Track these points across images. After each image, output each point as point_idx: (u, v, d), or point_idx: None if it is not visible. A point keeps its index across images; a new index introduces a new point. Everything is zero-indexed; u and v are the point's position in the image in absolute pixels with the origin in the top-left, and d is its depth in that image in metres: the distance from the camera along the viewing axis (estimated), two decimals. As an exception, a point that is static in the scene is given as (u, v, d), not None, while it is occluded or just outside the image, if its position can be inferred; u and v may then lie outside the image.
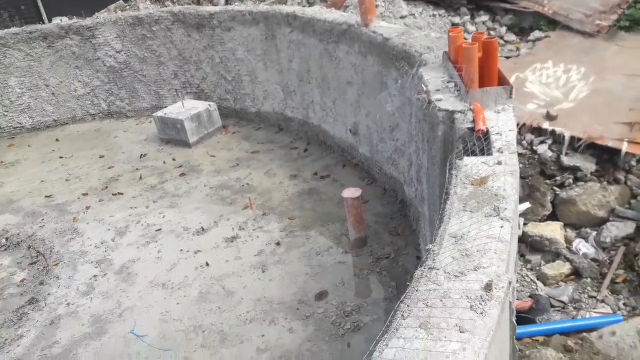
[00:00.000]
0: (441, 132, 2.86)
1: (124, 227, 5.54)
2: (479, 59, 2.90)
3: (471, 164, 2.35)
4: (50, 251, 5.28)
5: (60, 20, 8.21)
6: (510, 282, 1.69)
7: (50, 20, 10.10)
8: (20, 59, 8.01)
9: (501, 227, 1.88)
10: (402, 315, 1.61)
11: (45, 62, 8.08)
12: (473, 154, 2.57)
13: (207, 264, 4.72)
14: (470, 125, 2.71)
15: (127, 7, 10.07)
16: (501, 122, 2.70)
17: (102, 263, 4.99)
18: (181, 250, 5.00)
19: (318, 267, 4.52)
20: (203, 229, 5.26)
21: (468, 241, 1.85)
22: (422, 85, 3.15)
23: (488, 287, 1.62)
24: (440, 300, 1.62)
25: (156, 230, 5.38)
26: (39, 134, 8.42)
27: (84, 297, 4.55)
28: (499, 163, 2.32)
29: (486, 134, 2.61)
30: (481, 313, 1.54)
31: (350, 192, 4.53)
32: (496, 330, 1.54)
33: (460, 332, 1.50)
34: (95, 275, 4.82)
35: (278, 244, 4.88)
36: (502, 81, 2.92)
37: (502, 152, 2.41)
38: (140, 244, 5.19)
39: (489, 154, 2.44)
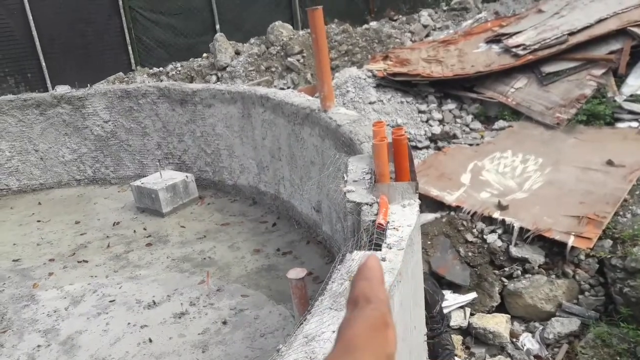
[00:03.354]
0: (350, 223, 2.93)
1: (80, 296, 5.55)
2: (394, 153, 3.03)
3: (357, 259, 2.40)
4: (2, 318, 5.28)
5: (55, 89, 8.63)
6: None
7: (54, 89, 10.64)
8: (13, 125, 8.38)
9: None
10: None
11: (36, 129, 8.44)
12: (377, 246, 2.63)
13: (150, 340, 4.68)
14: (374, 218, 2.79)
15: (126, 79, 10.60)
16: (404, 217, 2.78)
17: (49, 333, 4.97)
18: (129, 323, 4.97)
19: (259, 350, 4.46)
20: (155, 302, 5.25)
21: (319, 343, 1.87)
22: (344, 175, 3.27)
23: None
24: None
25: (110, 301, 5.38)
26: (24, 196, 8.63)
27: (22, 369, 4.51)
28: (383, 259, 2.37)
29: (385, 228, 2.68)
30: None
31: (296, 273, 4.54)
32: None
33: None
34: (39, 346, 4.79)
35: (225, 322, 4.84)
36: (413, 176, 3.03)
37: (390, 248, 2.47)
38: (91, 315, 5.18)
39: (379, 249, 2.50)
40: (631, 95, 6.44)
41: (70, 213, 7.74)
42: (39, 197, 8.48)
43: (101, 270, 6.02)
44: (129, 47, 11.79)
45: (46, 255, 6.55)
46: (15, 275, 6.10)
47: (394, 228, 2.66)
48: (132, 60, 11.81)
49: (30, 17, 11.06)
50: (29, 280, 5.98)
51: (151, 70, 11.15)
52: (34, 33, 11.16)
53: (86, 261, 6.28)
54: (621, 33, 6.90)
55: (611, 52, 6.84)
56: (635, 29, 6.78)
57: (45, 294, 5.65)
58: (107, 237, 6.85)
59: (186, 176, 7.56)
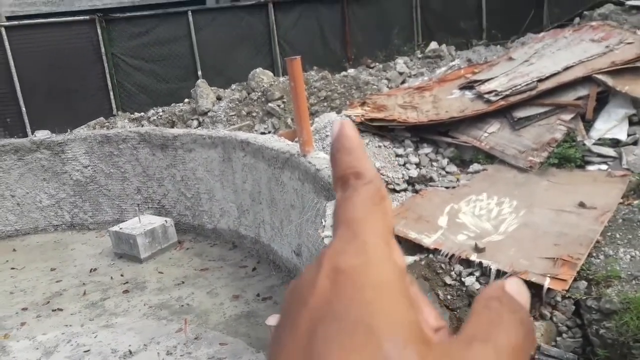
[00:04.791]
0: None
1: (53, 347, 5.39)
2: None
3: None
4: (-30, 371, 5.10)
5: (34, 134, 8.62)
6: None
7: (33, 134, 10.60)
8: (-11, 170, 8.29)
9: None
10: None
11: (14, 174, 8.36)
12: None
13: (125, 392, 4.55)
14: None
15: (107, 124, 10.62)
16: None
17: (19, 386, 4.80)
18: (103, 374, 4.84)
19: (238, 398, 4.37)
20: (131, 352, 5.13)
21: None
22: (322, 220, 3.31)
23: None
24: None
25: (84, 351, 5.24)
26: (-2, 243, 8.46)
27: None
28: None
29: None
30: None
31: (275, 319, 4.50)
32: None
33: None
34: (8, 400, 4.62)
35: (202, 371, 4.75)
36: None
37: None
38: (64, 366, 5.04)
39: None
40: (599, 139, 6.68)
41: (46, 260, 7.60)
42: (14, 244, 8.32)
43: (76, 319, 5.88)
44: (111, 93, 11.89)
45: (19, 304, 6.38)
46: (-15, 326, 5.91)
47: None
48: (114, 105, 11.88)
49: (12, 62, 11.12)
50: (0, 330, 5.80)
51: (133, 115, 11.20)
52: (15, 78, 11.20)
53: (61, 309, 6.13)
54: (587, 80, 7.21)
55: (579, 98, 7.12)
56: (600, 76, 7.10)
57: (16, 345, 5.48)
58: (84, 284, 6.72)
59: (165, 221, 7.53)
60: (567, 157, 6.25)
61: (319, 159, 5.23)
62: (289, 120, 9.38)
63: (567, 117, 6.93)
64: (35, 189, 8.45)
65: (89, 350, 5.24)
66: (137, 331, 5.52)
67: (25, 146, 8.26)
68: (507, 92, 7.31)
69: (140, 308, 5.98)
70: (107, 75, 11.76)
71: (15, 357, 5.26)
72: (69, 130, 9.44)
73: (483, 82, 7.88)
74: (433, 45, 12.12)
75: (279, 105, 9.78)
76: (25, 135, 10.80)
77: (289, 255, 6.35)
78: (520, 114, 7.11)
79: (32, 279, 7.02)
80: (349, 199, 0.41)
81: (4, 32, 11.04)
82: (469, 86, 8.02)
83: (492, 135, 6.88)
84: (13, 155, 8.27)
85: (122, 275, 6.85)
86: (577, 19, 10.56)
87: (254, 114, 9.97)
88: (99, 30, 11.52)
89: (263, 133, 8.74)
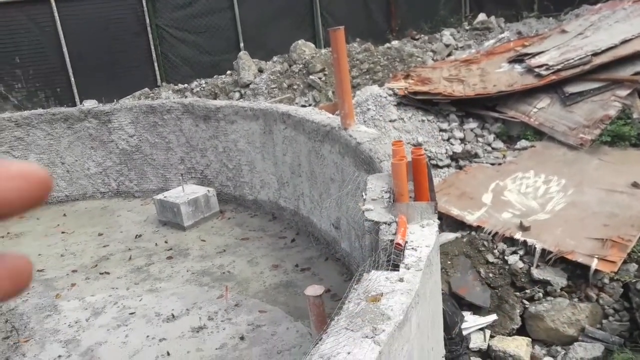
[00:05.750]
0: (368, 242, 2.94)
1: (101, 307, 5.63)
2: (413, 173, 3.04)
3: (374, 279, 2.40)
4: (25, 327, 5.38)
5: (82, 104, 8.86)
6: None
7: (82, 103, 10.92)
8: (41, 138, 8.62)
9: (370, 350, 1.91)
10: None
11: (64, 142, 8.66)
12: (395, 266, 2.63)
13: (169, 354, 4.71)
14: (392, 237, 2.79)
15: (151, 95, 10.83)
16: (423, 237, 2.77)
17: (70, 343, 5.04)
18: (147, 336, 5.02)
19: (276, 365, 4.46)
20: (174, 316, 5.30)
21: (335, 363, 1.88)
22: (363, 194, 3.28)
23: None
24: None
25: (130, 314, 5.44)
26: (50, 207, 8.82)
27: (43, 378, 4.58)
28: (401, 280, 2.37)
29: (403, 248, 2.68)
30: None
31: (313, 290, 4.54)
32: None
33: None
34: (60, 356, 4.86)
35: (242, 338, 4.85)
36: (432, 196, 3.03)
37: (408, 269, 2.46)
38: (112, 327, 5.25)
39: (397, 269, 2.49)
40: (658, 117, 6.34)
41: (94, 225, 7.89)
42: (64, 209, 8.67)
43: (122, 283, 6.11)
44: (155, 64, 12.07)
45: (69, 266, 6.67)
46: (38, 285, 6.22)
47: (412, 248, 2.65)
48: (158, 77, 12.08)
49: (61, 34, 11.42)
50: (52, 290, 6.09)
51: (176, 87, 11.38)
52: (64, 49, 11.52)
53: (108, 273, 6.38)
54: (647, 54, 6.82)
55: (636, 73, 6.75)
56: (661, 50, 6.70)
57: (67, 305, 5.74)
58: (129, 249, 6.96)
59: (208, 190, 7.66)
60: (621, 135, 5.95)
61: (360, 132, 5.17)
62: (330, 93, 9.32)
63: (623, 93, 6.59)
64: (83, 157, 8.73)
65: (134, 313, 5.44)
66: (180, 296, 5.69)
67: (74, 115, 8.52)
68: (559, 67, 7.00)
69: (183, 274, 6.15)
70: (152, 47, 11.93)
71: (66, 316, 5.52)
72: (115, 100, 9.66)
73: (533, 55, 7.57)
74: (481, 16, 11.69)
75: (320, 78, 9.71)
76: (74, 104, 11.15)
77: (328, 228, 6.36)
78: (573, 89, 6.81)
79: (81, 243, 7.31)
80: None
81: (54, 5, 11.31)
82: (518, 59, 7.73)
83: (542, 110, 6.62)
84: (63, 123, 8.55)
85: (166, 242, 7.04)
86: (638, -11, 9.92)
87: (295, 87, 9.95)
88: (144, 2, 11.65)
89: (304, 106, 8.72)
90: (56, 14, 11.35)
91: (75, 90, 11.68)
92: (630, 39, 7.22)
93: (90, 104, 9.48)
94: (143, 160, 8.64)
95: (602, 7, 9.40)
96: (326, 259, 6.24)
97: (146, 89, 11.10)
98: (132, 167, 8.73)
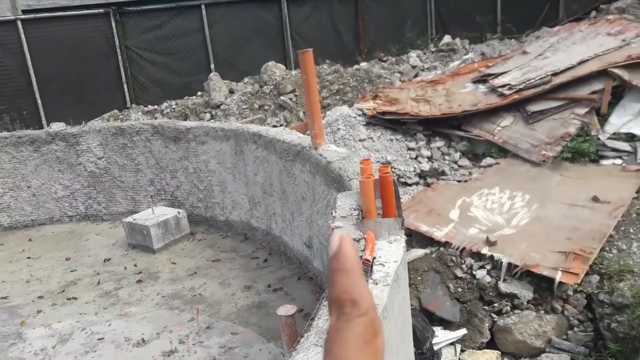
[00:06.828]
0: (338, 260, 2.98)
1: (69, 334, 5.49)
2: (381, 190, 3.11)
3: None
4: (-12, 356, 5.21)
5: (50, 127, 8.73)
6: None
7: (49, 126, 10.75)
8: (6, 161, 8.43)
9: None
10: None
11: (30, 165, 8.49)
12: (364, 283, 2.67)
13: (138, 379, 4.63)
14: (360, 254, 2.85)
15: (121, 116, 10.74)
16: (390, 252, 2.83)
17: (35, 372, 4.89)
18: (117, 362, 4.92)
19: (248, 387, 4.42)
20: (144, 340, 5.20)
21: (304, 378, 1.90)
22: (332, 211, 3.34)
23: None
24: None
25: (98, 339, 5.32)
26: (15, 232, 8.59)
27: (6, 409, 4.42)
28: (369, 296, 2.41)
29: (371, 264, 2.73)
30: None
31: (286, 310, 4.54)
32: None
33: None
34: (24, 385, 4.72)
35: (214, 360, 4.80)
36: (399, 212, 3.10)
37: (376, 284, 2.51)
38: (79, 354, 5.11)
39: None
40: (614, 134, 6.62)
41: (61, 250, 7.71)
42: (30, 234, 8.45)
43: (90, 308, 5.97)
44: (125, 86, 12.00)
45: (35, 292, 6.49)
46: (2, 313, 6.03)
47: (381, 264, 2.71)
48: (127, 98, 12.00)
49: (28, 56, 11.27)
50: (17, 318, 5.91)
51: (146, 108, 11.31)
52: (31, 71, 11.35)
53: (75, 298, 6.23)
54: (602, 74, 7.15)
55: (593, 92, 7.06)
56: (615, 70, 7.03)
57: (32, 332, 5.58)
58: (98, 273, 6.82)
59: (178, 212, 7.60)
60: (581, 151, 6.20)
61: (330, 151, 5.25)
62: (300, 114, 9.42)
63: (582, 111, 6.88)
64: (50, 180, 8.57)
65: (102, 338, 5.33)
66: (150, 320, 5.59)
67: (40, 137, 8.38)
68: (521, 86, 7.27)
69: (153, 297, 6.06)
70: (121, 68, 11.87)
71: (31, 344, 5.36)
72: (83, 122, 9.55)
73: (497, 75, 7.84)
74: (447, 38, 12.06)
75: (290, 99, 9.82)
76: (41, 127, 10.96)
77: (300, 247, 6.38)
78: (534, 107, 7.07)
79: (48, 268, 7.13)
80: (341, 332, 0.41)
81: (20, 26, 11.18)
82: (482, 80, 7.99)
83: (505, 129, 6.85)
84: (29, 146, 8.40)
85: (135, 266, 6.94)
86: (593, 13, 10.43)
87: (266, 107, 10.02)
88: (113, 24, 11.63)
89: (275, 126, 8.79)
90: (22, 35, 11.21)
91: (42, 113, 11.48)
92: (587, 60, 7.56)
93: (57, 126, 9.35)
94: (112, 182, 8.53)
95: (560, 30, 9.83)
96: (299, 278, 6.24)
97: (115, 110, 11.02)
98: (101, 189, 8.61)
